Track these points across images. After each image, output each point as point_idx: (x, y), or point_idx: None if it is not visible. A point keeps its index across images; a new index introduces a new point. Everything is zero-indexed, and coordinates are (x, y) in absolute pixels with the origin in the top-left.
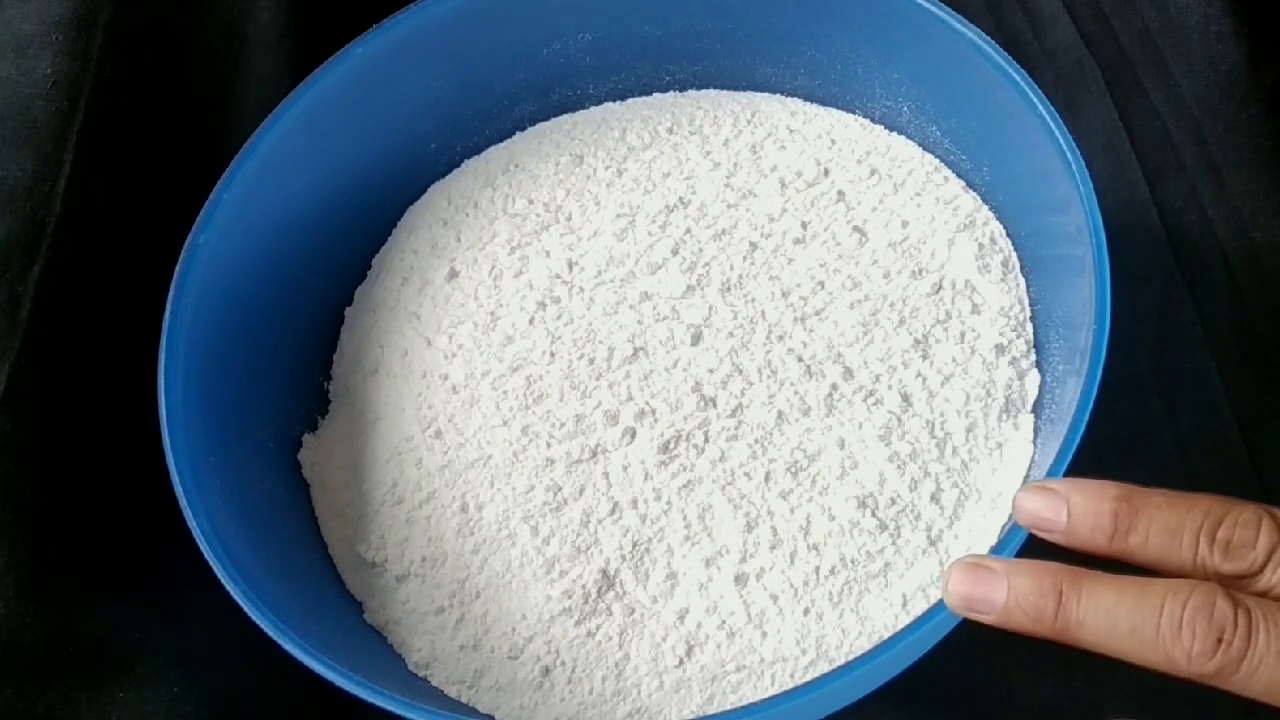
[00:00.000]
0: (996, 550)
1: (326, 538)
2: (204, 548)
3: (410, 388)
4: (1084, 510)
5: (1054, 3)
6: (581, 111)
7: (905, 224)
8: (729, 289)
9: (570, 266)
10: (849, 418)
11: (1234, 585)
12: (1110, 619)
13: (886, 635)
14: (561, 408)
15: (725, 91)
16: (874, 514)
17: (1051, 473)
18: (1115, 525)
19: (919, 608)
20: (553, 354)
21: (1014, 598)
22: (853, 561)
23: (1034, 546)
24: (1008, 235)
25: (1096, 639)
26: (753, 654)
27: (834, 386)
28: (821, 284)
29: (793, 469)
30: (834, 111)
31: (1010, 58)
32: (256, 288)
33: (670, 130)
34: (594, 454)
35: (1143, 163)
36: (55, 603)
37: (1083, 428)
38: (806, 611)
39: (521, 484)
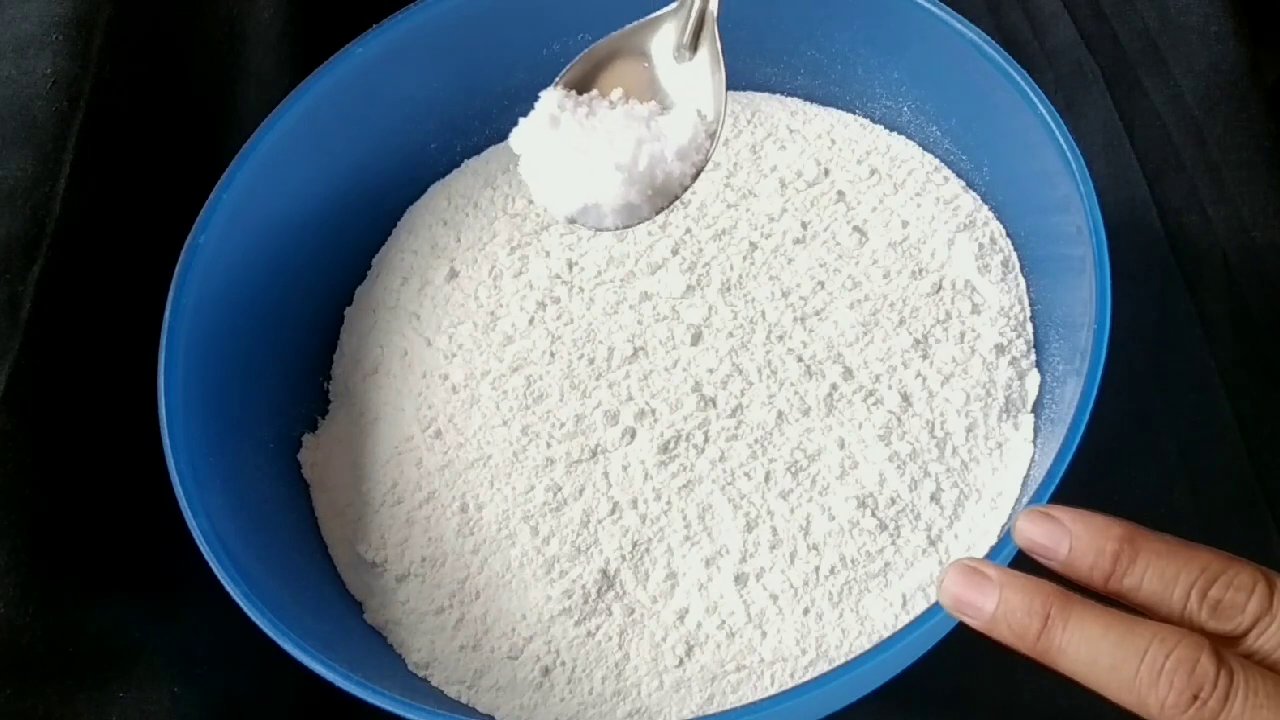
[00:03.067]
0: (996, 550)
1: (326, 538)
2: (204, 548)
3: (410, 388)
4: (1086, 547)
5: (1054, 3)
6: None
7: (905, 224)
8: (729, 289)
9: (570, 266)
10: (849, 418)
11: (1220, 644)
12: (1092, 652)
13: (886, 635)
14: (561, 408)
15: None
16: (874, 514)
17: (1051, 473)
18: (1114, 566)
19: (919, 607)
20: (553, 354)
21: (1002, 610)
22: (853, 561)
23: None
24: (1008, 235)
25: (1075, 668)
26: (753, 654)
27: (834, 386)
28: (821, 284)
29: (793, 469)
30: (834, 111)
31: (1010, 58)
32: (256, 288)
33: None
34: (594, 454)
35: (1143, 163)
36: (55, 603)
37: (1083, 428)
38: (806, 611)
39: (521, 484)
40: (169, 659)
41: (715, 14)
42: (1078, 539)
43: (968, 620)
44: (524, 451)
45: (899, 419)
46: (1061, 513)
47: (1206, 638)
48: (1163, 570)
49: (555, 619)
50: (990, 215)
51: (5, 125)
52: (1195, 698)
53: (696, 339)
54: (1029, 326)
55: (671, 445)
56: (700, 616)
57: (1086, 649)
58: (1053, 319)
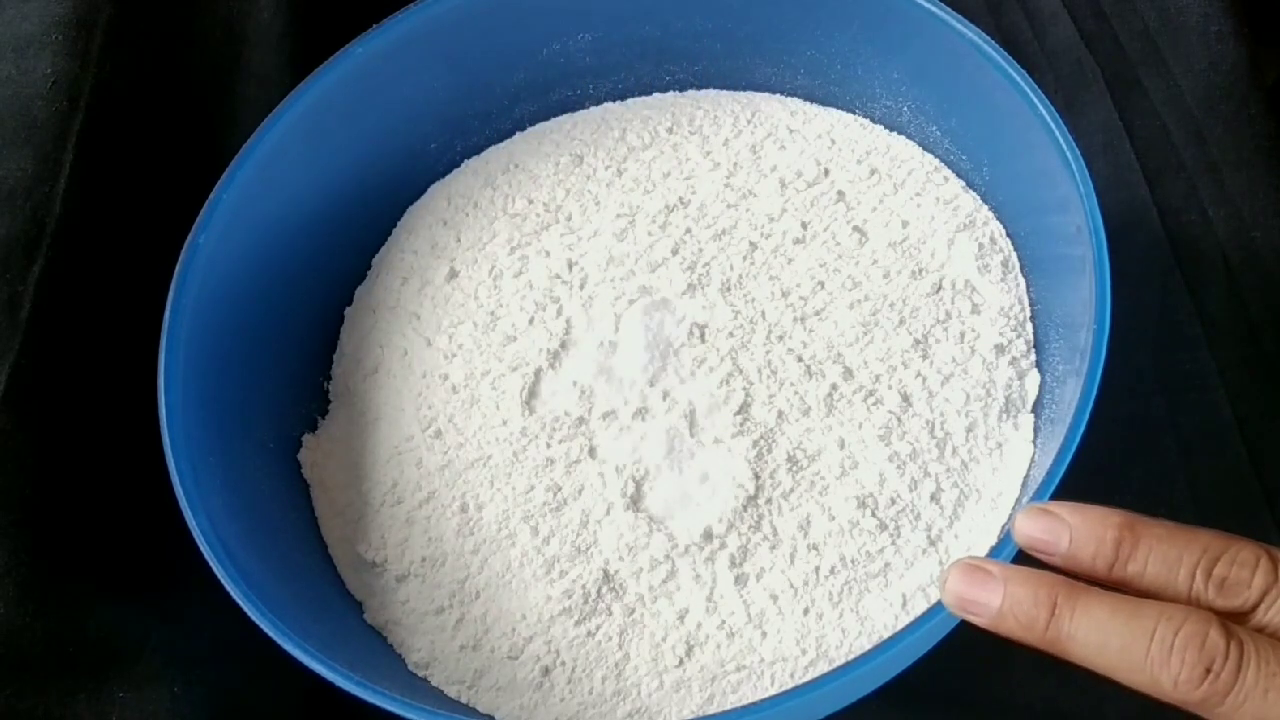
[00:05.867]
0: (996, 550)
1: (326, 538)
2: (204, 548)
3: (410, 388)
4: (1086, 537)
5: (1054, 3)
6: (581, 111)
7: (905, 224)
8: (729, 289)
9: (570, 266)
10: (849, 418)
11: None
12: (1101, 636)
13: (886, 635)
14: (561, 408)
15: (725, 91)
16: (874, 514)
17: (1052, 473)
18: (1116, 554)
19: (919, 607)
20: (553, 354)
21: (1009, 604)
22: (853, 561)
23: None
24: (1008, 235)
25: (1086, 654)
26: (753, 654)
27: (834, 386)
28: (821, 284)
29: (793, 469)
30: (834, 111)
31: (1010, 58)
32: (256, 288)
33: (670, 130)
34: (593, 454)
35: (1143, 163)
36: (55, 603)
37: (1082, 428)
38: (806, 611)
39: (521, 484)
40: (169, 659)
41: None
42: (1077, 530)
43: (973, 619)
44: (524, 451)
45: (899, 419)
46: (1058, 507)
47: (1214, 613)
48: (1165, 554)
49: (555, 619)
50: (990, 215)
51: (5, 125)
52: (1208, 671)
53: (697, 339)
54: (1029, 326)
55: (671, 445)
56: (700, 616)
57: (1096, 634)
58: (1053, 319)
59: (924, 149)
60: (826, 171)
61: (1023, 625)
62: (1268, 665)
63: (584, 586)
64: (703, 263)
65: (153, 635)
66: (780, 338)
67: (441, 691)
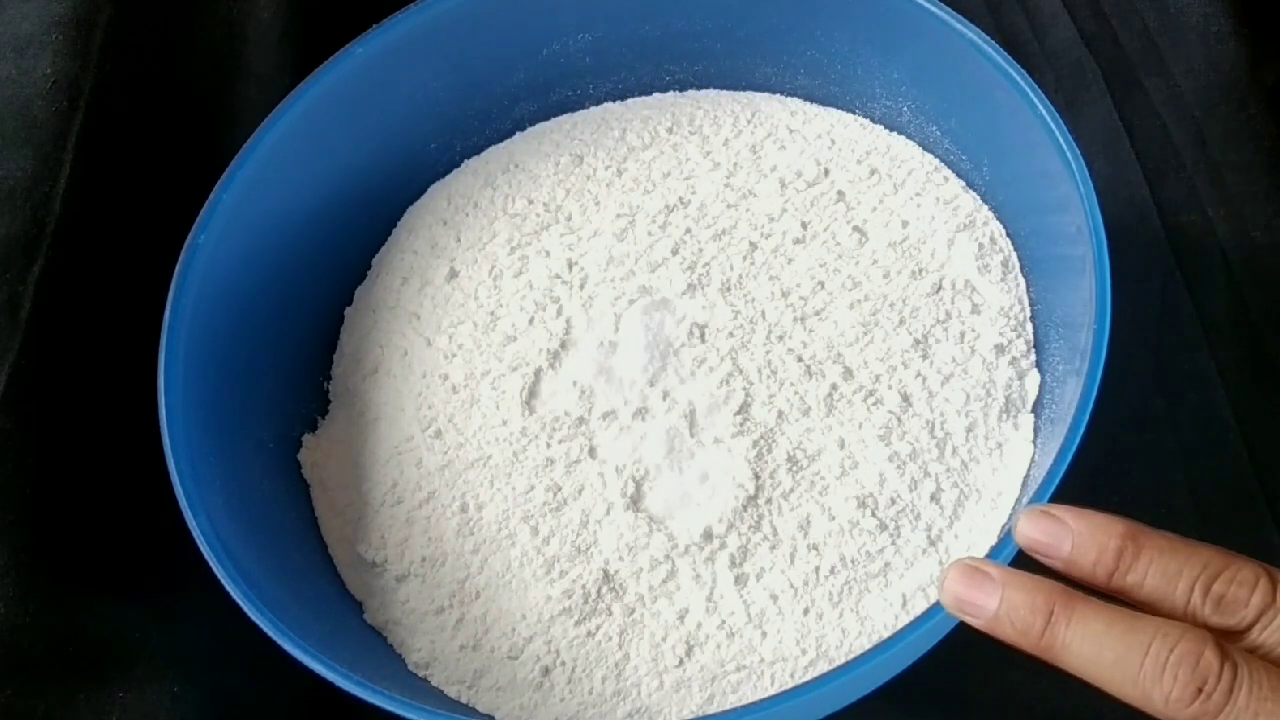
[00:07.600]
0: (996, 550)
1: (326, 538)
2: (204, 548)
3: (410, 388)
4: (1088, 544)
5: (1054, 3)
6: (581, 111)
7: (905, 224)
8: (729, 289)
9: (570, 266)
10: (849, 418)
11: (1222, 639)
12: (1096, 648)
13: (886, 635)
14: (561, 408)
15: (725, 91)
16: (874, 514)
17: (1052, 473)
18: (1117, 563)
19: (919, 607)
20: (552, 354)
21: (1005, 608)
22: (853, 561)
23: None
24: (1008, 235)
25: (1079, 665)
26: (753, 654)
27: (834, 386)
28: (821, 284)
29: (793, 468)
30: (834, 111)
31: (1010, 58)
32: (256, 288)
33: (670, 130)
34: (593, 454)
35: (1143, 163)
36: (55, 603)
37: (1083, 428)
38: (806, 611)
39: (521, 484)
40: (169, 659)
41: None
42: (1079, 536)
43: (970, 620)
44: (524, 451)
45: (899, 419)
46: (1062, 511)
47: (1210, 632)
48: (1165, 566)
49: (555, 619)
50: (990, 215)
51: (5, 125)
52: (1200, 691)
53: (697, 339)
54: (1029, 326)
55: (671, 445)
56: (700, 616)
57: (1090, 645)
58: (1053, 319)
59: (924, 149)
60: (826, 171)
61: (1018, 630)
62: (1259, 689)
63: (584, 586)
64: (703, 263)
65: (153, 635)
66: (780, 338)
67: (441, 691)
